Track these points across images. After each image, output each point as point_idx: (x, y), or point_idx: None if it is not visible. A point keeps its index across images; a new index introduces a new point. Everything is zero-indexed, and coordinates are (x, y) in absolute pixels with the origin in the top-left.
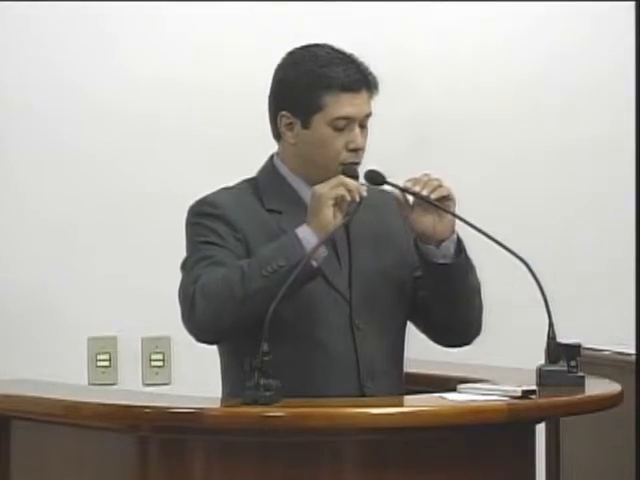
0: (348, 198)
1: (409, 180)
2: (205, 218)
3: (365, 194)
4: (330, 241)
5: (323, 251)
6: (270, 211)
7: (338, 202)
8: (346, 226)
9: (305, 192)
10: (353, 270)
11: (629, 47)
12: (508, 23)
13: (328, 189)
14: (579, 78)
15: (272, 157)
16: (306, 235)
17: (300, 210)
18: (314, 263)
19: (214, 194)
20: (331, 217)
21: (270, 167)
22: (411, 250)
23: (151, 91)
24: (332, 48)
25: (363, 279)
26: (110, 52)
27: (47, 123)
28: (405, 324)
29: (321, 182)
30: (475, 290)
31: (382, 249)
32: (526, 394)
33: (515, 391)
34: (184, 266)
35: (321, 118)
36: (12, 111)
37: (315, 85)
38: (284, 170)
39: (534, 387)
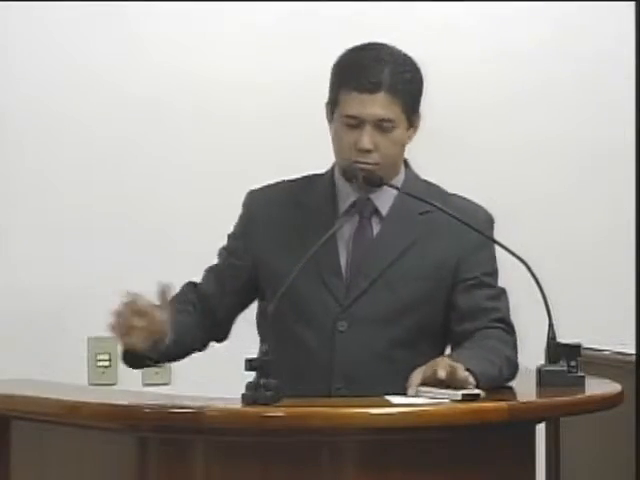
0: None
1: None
2: (242, 209)
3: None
4: (348, 244)
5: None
6: (299, 204)
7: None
8: (379, 231)
9: (343, 189)
10: (360, 275)
11: (629, 47)
12: (509, 22)
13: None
14: (580, 80)
15: None
16: None
17: (324, 206)
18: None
19: (262, 187)
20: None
21: (333, 163)
22: (456, 267)
23: (167, 85)
24: (380, 48)
25: (367, 284)
26: (127, 55)
27: (50, 120)
28: (416, 335)
29: (344, 176)
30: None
31: (407, 259)
32: (467, 398)
33: (456, 394)
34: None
35: (338, 113)
36: (20, 102)
37: (337, 81)
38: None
39: (478, 391)
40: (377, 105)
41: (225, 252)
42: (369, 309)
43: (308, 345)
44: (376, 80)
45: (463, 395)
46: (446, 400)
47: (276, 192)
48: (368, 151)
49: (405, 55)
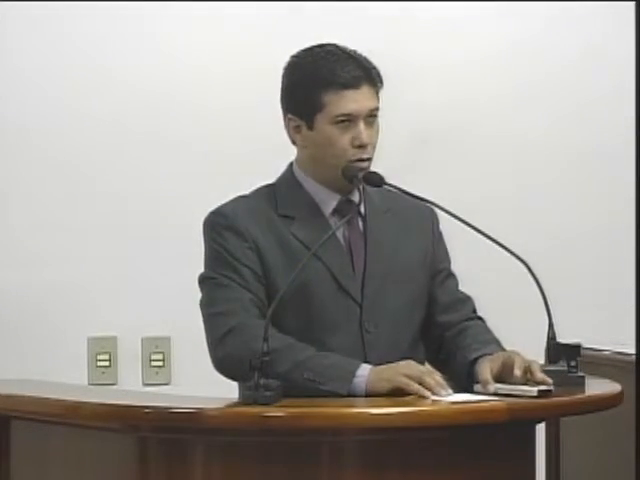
0: (412, 391)
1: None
2: (217, 230)
3: (443, 393)
4: (346, 245)
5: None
6: (283, 217)
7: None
8: (364, 229)
9: (319, 195)
10: (367, 274)
11: (629, 47)
12: (508, 24)
13: (401, 373)
14: (579, 79)
15: (291, 163)
16: (359, 382)
17: (313, 214)
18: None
19: (226, 204)
20: (384, 392)
21: (288, 173)
22: (432, 261)
23: (168, 84)
24: (335, 46)
25: (377, 283)
26: (131, 53)
27: (50, 125)
28: (420, 330)
29: (332, 182)
30: None
31: (400, 255)
32: (542, 394)
33: (531, 391)
34: (202, 283)
35: (324, 117)
36: (26, 102)
37: (314, 85)
38: (300, 174)
39: (550, 387)
40: (366, 98)
41: (239, 269)
42: (386, 308)
43: (339, 350)
44: (356, 74)
45: (539, 391)
46: (521, 395)
47: (247, 207)
48: (365, 145)
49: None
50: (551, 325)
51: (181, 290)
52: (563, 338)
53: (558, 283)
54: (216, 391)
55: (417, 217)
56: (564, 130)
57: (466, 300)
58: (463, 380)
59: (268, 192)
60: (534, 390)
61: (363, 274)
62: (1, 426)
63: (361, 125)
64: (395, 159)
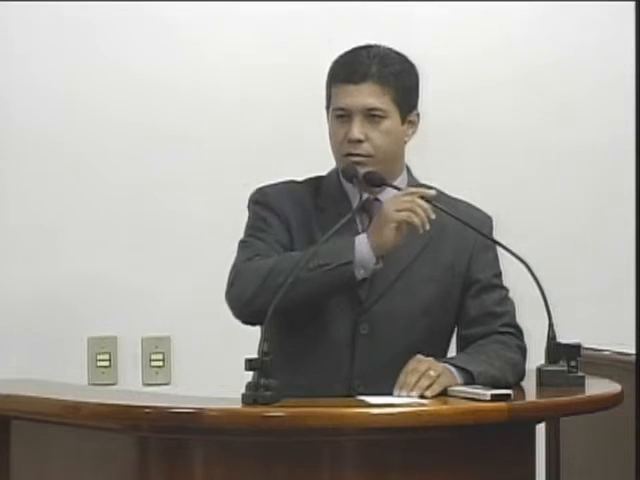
0: (415, 222)
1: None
2: (255, 205)
3: (433, 216)
4: None
5: (377, 265)
6: (317, 208)
7: (401, 225)
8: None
9: (348, 189)
10: (377, 275)
11: (629, 47)
12: (508, 23)
13: (394, 210)
14: (579, 79)
15: None
16: (362, 245)
17: (341, 209)
18: (360, 273)
19: (272, 184)
20: (391, 238)
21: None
22: (466, 271)
23: (174, 83)
24: (369, 46)
25: (386, 286)
26: (124, 57)
27: (55, 123)
28: (431, 337)
29: (343, 176)
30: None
31: (419, 262)
32: (497, 398)
33: (485, 395)
34: (238, 246)
35: (331, 110)
36: (27, 105)
37: (328, 80)
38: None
39: (509, 391)
40: (363, 94)
41: (263, 233)
42: (389, 311)
43: (329, 344)
44: (362, 71)
45: (492, 395)
46: (475, 399)
47: (290, 191)
48: (359, 141)
49: (397, 52)
50: (551, 325)
51: (181, 290)
52: (563, 338)
53: (558, 283)
54: (216, 391)
55: (459, 226)
56: (564, 128)
57: (501, 314)
58: None
59: (316, 183)
60: (487, 394)
61: (375, 276)
62: (1, 426)
63: (356, 120)
64: None
